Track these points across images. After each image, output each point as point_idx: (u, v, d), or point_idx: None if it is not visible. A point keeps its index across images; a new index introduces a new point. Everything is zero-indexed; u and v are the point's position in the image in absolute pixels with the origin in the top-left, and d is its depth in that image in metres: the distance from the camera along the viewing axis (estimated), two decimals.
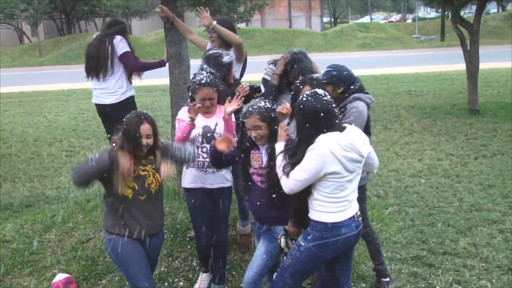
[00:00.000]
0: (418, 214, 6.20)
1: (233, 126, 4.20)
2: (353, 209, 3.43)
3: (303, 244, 3.42)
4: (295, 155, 3.37)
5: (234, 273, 4.85)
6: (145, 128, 3.51)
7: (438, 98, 14.17)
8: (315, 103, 3.31)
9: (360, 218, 3.49)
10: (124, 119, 3.55)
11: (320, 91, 3.40)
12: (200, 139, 4.22)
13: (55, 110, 14.69)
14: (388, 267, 4.86)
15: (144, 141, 3.52)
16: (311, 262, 3.46)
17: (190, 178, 4.30)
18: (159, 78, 19.89)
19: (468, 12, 34.67)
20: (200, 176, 4.28)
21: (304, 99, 3.36)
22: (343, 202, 3.36)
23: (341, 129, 3.34)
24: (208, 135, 4.21)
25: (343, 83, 4.20)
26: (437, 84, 16.64)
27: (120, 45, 5.64)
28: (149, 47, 33.59)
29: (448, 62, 21.61)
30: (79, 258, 4.95)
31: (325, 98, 3.36)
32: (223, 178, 4.34)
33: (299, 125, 3.39)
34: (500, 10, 46.26)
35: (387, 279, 4.62)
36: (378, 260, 4.61)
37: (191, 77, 4.71)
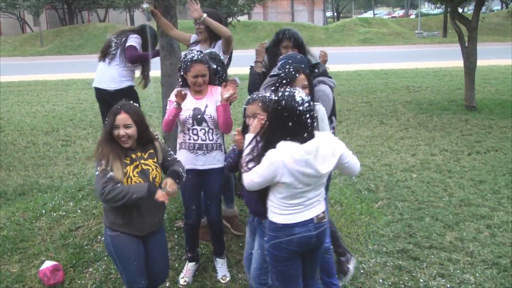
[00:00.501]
0: (407, 208, 6.24)
1: (230, 112, 4.24)
2: (311, 212, 3.35)
3: (265, 245, 3.46)
4: (260, 155, 3.29)
5: (233, 247, 4.97)
6: (122, 117, 3.46)
7: (436, 94, 14.18)
8: (290, 109, 3.16)
9: (325, 220, 3.43)
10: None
11: (299, 96, 3.19)
12: (190, 121, 4.24)
13: (54, 99, 14.72)
14: (373, 260, 4.92)
15: (122, 131, 3.47)
16: (276, 262, 3.42)
17: (182, 159, 4.31)
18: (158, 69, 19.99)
19: (471, 9, 34.54)
20: (191, 157, 4.31)
21: (283, 102, 3.19)
22: (297, 206, 3.31)
23: (304, 140, 3.19)
24: (198, 117, 4.24)
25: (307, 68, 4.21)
26: (436, 80, 16.63)
27: (130, 40, 5.98)
28: None
29: (449, 58, 21.58)
30: (67, 246, 5.00)
31: (302, 106, 3.17)
32: (214, 159, 4.36)
33: (269, 124, 3.31)
34: (504, 7, 46.11)
35: (344, 258, 4.65)
36: (335, 243, 4.59)
37: None
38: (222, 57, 4.69)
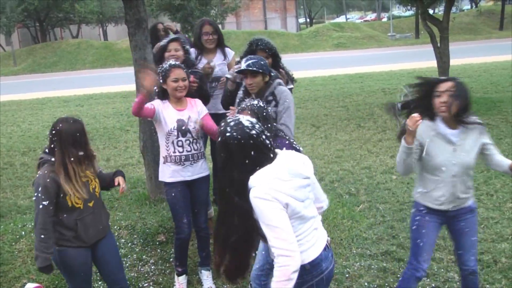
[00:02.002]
0: (389, 210, 6.27)
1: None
2: (324, 237, 3.00)
3: None
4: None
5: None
6: (84, 128, 3.59)
7: None
8: (242, 137, 2.73)
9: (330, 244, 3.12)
10: (58, 130, 3.49)
11: (245, 120, 2.81)
12: (175, 133, 4.28)
13: (29, 119, 14.55)
14: (357, 263, 4.93)
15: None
16: None
17: (169, 172, 4.35)
18: (134, 84, 19.93)
19: (441, 10, 35.09)
20: (179, 170, 4.33)
21: (228, 133, 2.74)
22: (311, 232, 2.89)
23: (272, 160, 2.80)
24: (183, 128, 4.29)
25: (269, 70, 4.28)
26: (411, 81, 16.58)
27: None
28: (125, 53, 33.42)
29: (422, 59, 21.86)
30: None
31: (254, 130, 2.77)
32: (201, 168, 4.43)
33: (223, 163, 2.79)
34: (474, 6, 46.94)
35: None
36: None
37: None
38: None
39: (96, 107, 15.75)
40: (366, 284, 4.67)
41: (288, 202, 2.69)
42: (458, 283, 4.61)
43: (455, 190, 3.63)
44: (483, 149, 3.66)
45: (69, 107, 16.14)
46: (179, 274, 4.60)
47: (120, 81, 22.07)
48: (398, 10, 66.27)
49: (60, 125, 3.49)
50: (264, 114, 3.56)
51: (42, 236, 3.43)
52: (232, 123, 2.78)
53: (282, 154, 2.87)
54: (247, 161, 2.72)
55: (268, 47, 4.75)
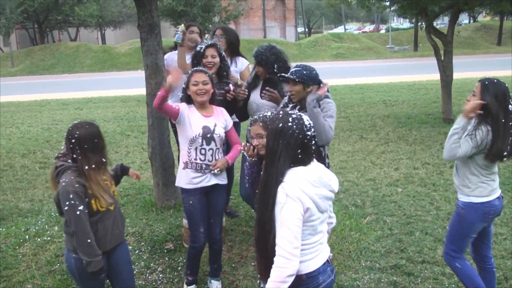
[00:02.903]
0: (396, 223, 6.22)
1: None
2: (326, 252, 3.01)
3: None
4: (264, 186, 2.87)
5: (225, 268, 4.90)
6: (100, 132, 3.58)
7: (413, 107, 14.33)
8: (299, 133, 2.84)
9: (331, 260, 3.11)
10: (76, 137, 3.44)
11: (306, 120, 2.91)
12: (200, 140, 4.20)
13: (28, 121, 14.44)
14: (367, 276, 4.87)
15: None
16: None
17: (187, 179, 4.26)
18: (134, 88, 19.89)
19: (440, 23, 35.30)
20: (197, 177, 4.26)
21: (290, 124, 2.84)
22: (316, 246, 2.90)
23: (307, 164, 2.90)
24: (208, 136, 4.21)
25: (312, 82, 4.23)
26: (412, 93, 16.83)
27: None
28: (124, 57, 33.43)
29: (422, 72, 21.93)
30: (54, 273, 4.85)
31: (310, 132, 2.89)
32: (220, 176, 4.35)
33: (274, 150, 2.85)
34: (472, 21, 47.21)
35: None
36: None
37: None
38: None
39: (96, 111, 15.66)
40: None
41: (309, 207, 2.76)
42: None
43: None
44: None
45: (68, 110, 16.04)
46: (189, 284, 4.54)
47: (118, 85, 21.99)
48: (396, 23, 66.55)
49: (78, 132, 3.44)
50: None
51: (89, 240, 3.38)
52: (294, 116, 2.88)
53: (317, 163, 2.97)
54: (293, 156, 2.82)
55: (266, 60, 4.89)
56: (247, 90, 4.92)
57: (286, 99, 4.51)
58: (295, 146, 2.82)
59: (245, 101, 4.97)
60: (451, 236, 4.20)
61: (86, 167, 3.41)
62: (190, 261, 4.49)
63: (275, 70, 4.82)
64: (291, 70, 4.26)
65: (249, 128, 3.65)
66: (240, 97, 4.81)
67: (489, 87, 3.85)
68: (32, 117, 15.03)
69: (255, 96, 4.99)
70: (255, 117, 3.60)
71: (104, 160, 3.54)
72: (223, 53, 4.92)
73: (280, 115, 2.92)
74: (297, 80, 4.17)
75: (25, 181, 8.71)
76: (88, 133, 3.45)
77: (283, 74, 4.28)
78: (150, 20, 5.36)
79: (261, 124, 3.47)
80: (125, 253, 3.83)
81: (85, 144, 3.42)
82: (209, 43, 4.65)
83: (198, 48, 4.86)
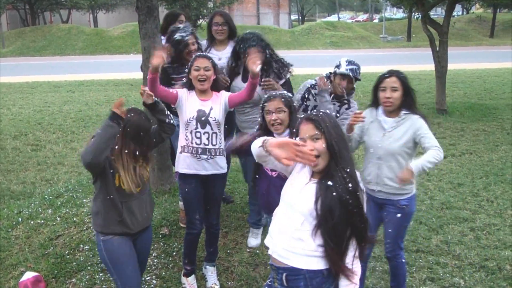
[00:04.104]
0: None
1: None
2: None
3: None
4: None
5: (221, 254, 4.89)
6: (151, 129, 3.61)
7: None
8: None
9: None
10: (128, 118, 3.39)
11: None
12: (194, 123, 4.14)
13: (20, 102, 14.30)
14: (362, 265, 4.87)
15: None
16: None
17: (184, 163, 4.20)
18: (126, 72, 19.74)
19: (433, 14, 35.23)
20: (194, 162, 4.18)
21: (333, 119, 2.82)
22: None
23: None
24: (203, 119, 4.14)
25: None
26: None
27: None
28: (116, 41, 33.17)
29: (415, 62, 21.93)
30: (48, 256, 4.81)
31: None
32: (217, 165, 4.26)
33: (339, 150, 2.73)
34: (465, 12, 47.24)
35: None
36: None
37: None
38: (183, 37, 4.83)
39: (88, 94, 15.54)
40: (371, 285, 4.64)
41: None
42: None
43: (380, 172, 3.95)
44: (416, 139, 3.88)
45: (60, 93, 15.90)
46: (188, 274, 4.48)
47: (111, 68, 21.82)
48: (389, 12, 66.47)
49: (131, 115, 3.41)
50: (294, 104, 3.76)
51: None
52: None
53: None
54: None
55: (260, 44, 4.73)
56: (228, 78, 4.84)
57: (327, 96, 4.54)
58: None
59: (227, 88, 4.91)
60: (400, 235, 4.12)
61: (116, 147, 3.39)
62: (187, 248, 4.45)
63: (268, 56, 4.75)
64: (351, 68, 4.48)
65: (264, 104, 3.72)
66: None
67: None
68: (23, 99, 14.89)
69: (238, 81, 4.91)
70: (273, 93, 3.74)
71: (140, 154, 3.48)
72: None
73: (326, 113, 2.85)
74: (354, 77, 4.51)
75: (16, 163, 8.64)
76: (137, 123, 3.42)
77: (344, 72, 4.48)
78: (149, 2, 5.28)
79: (282, 99, 3.62)
80: (147, 240, 3.81)
81: (129, 128, 3.39)
82: (201, 54, 4.34)
83: (179, 36, 4.78)
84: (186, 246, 4.45)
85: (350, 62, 4.54)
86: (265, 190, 3.73)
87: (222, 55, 5.13)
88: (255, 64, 3.95)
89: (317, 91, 4.63)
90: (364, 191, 2.79)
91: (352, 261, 2.70)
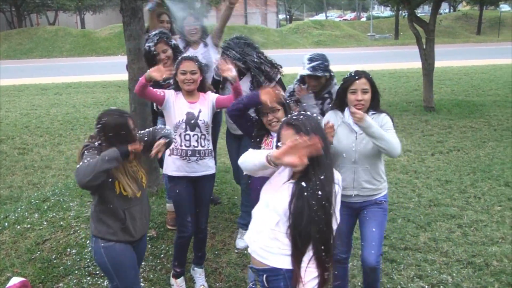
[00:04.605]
0: None
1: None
2: None
3: None
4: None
5: (209, 255, 4.87)
6: (131, 123, 3.38)
7: (394, 95, 14.39)
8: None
9: None
10: (102, 123, 3.29)
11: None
12: (183, 126, 4.14)
13: (6, 106, 14.17)
14: (350, 263, 4.88)
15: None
16: None
17: (173, 166, 4.19)
18: (114, 73, 19.65)
19: (420, 12, 35.41)
20: (183, 164, 4.19)
21: (314, 122, 2.81)
22: None
23: None
24: (192, 122, 4.14)
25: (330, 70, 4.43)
26: (393, 81, 16.89)
27: None
28: (103, 42, 33.00)
29: (403, 60, 22.03)
30: (34, 261, 4.76)
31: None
32: (206, 166, 4.27)
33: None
34: (452, 10, 47.48)
35: None
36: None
37: None
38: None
39: (76, 96, 15.45)
40: (359, 284, 4.63)
41: None
42: (451, 285, 4.61)
43: (357, 176, 3.78)
44: None
45: (48, 95, 15.79)
46: (177, 276, 4.47)
47: (98, 70, 21.72)
48: (377, 11, 66.67)
49: (105, 119, 3.28)
50: (288, 101, 3.85)
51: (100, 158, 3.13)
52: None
53: None
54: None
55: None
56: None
57: (311, 101, 4.54)
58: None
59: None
60: (382, 235, 3.93)
61: None
62: (177, 251, 4.43)
63: (256, 60, 4.77)
64: (313, 66, 4.30)
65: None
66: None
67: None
68: (10, 102, 14.75)
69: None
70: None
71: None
72: (173, 42, 4.96)
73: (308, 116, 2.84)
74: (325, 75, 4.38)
75: (3, 167, 8.56)
76: (114, 123, 3.27)
77: (313, 73, 4.32)
78: (133, 3, 5.26)
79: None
80: (144, 247, 3.79)
81: (110, 132, 3.26)
82: (187, 56, 4.29)
83: (147, 47, 4.81)
84: (176, 249, 4.44)
85: (311, 59, 4.36)
86: (259, 186, 3.72)
87: (197, 54, 5.13)
88: (229, 71, 4.03)
89: (299, 98, 4.59)
90: (340, 193, 2.81)
91: (307, 263, 2.69)
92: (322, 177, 2.67)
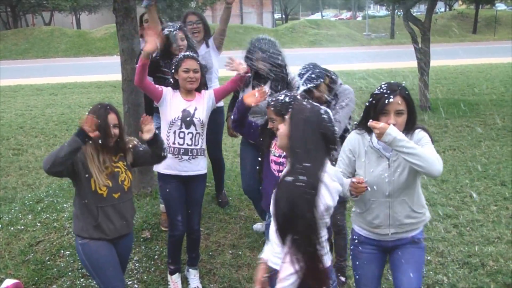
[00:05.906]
0: None
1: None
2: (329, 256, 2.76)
3: None
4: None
5: (203, 256, 4.86)
6: (112, 117, 3.45)
7: None
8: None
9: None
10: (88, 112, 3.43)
11: (324, 110, 2.71)
12: (178, 123, 4.14)
13: (1, 106, 14.07)
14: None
15: (112, 131, 3.45)
16: None
17: (164, 163, 4.14)
18: (109, 74, 19.57)
19: (416, 11, 35.49)
20: (175, 163, 4.18)
21: (308, 113, 2.65)
22: (325, 242, 2.69)
23: None
24: (187, 119, 4.15)
25: (324, 74, 4.25)
26: (389, 80, 16.79)
27: None
28: (99, 42, 32.87)
29: (398, 59, 21.97)
30: (28, 262, 4.74)
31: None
32: (199, 165, 4.27)
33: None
34: (448, 9, 47.53)
35: (344, 279, 4.61)
36: (344, 256, 4.60)
37: None
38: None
39: (71, 97, 15.39)
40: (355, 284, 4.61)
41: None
42: (447, 285, 4.59)
43: (392, 212, 3.18)
44: None
45: (43, 96, 15.72)
46: (172, 273, 4.47)
47: (94, 71, 21.62)
48: (373, 10, 66.74)
49: (92, 107, 3.48)
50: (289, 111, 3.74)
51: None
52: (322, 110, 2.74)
53: None
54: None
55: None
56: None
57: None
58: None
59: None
60: (421, 283, 3.31)
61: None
62: (170, 250, 4.44)
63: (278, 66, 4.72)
64: (303, 80, 4.12)
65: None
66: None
67: None
68: (5, 103, 14.67)
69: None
70: (271, 100, 3.68)
71: (103, 143, 3.43)
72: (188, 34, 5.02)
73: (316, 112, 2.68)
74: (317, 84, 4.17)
75: None
76: (94, 112, 3.41)
77: (307, 88, 4.13)
78: (126, 3, 5.23)
79: (272, 109, 3.59)
80: (127, 248, 3.81)
81: None
82: (189, 54, 4.23)
83: (167, 31, 4.78)
84: (169, 248, 4.46)
85: (300, 74, 4.17)
86: (271, 191, 3.67)
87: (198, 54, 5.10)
88: (240, 65, 4.17)
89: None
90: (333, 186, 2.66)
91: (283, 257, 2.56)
92: (307, 165, 2.51)
